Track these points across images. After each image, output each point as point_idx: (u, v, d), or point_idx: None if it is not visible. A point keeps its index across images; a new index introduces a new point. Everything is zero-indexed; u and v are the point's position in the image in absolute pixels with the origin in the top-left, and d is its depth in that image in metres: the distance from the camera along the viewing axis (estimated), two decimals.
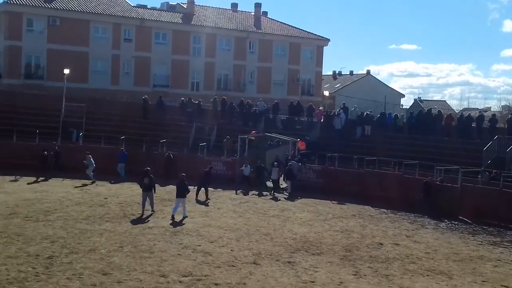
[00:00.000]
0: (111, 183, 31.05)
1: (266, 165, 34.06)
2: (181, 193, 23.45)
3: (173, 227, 21.24)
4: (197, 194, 28.01)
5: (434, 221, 25.75)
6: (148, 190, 23.74)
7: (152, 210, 23.72)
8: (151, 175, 23.98)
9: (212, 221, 22.77)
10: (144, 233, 19.99)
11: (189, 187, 24.17)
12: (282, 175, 32.72)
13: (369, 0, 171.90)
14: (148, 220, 22.30)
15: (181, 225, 21.64)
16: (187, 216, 23.12)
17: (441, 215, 26.25)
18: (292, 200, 29.36)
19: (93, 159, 31.65)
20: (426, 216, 26.25)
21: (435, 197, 26.83)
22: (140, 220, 22.18)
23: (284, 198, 30.20)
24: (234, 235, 20.56)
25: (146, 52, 55.89)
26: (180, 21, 58.43)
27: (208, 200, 27.78)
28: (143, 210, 23.46)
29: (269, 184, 32.61)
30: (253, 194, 30.47)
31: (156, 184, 24.52)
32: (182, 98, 44.61)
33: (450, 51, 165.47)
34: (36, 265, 15.44)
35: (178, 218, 22.70)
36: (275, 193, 30.95)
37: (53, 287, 13.76)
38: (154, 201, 24.16)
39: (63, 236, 18.86)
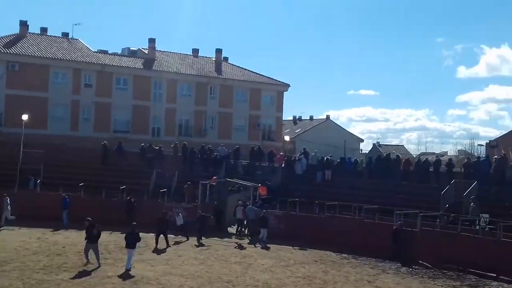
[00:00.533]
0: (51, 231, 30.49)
1: (227, 211, 34.05)
2: (131, 244, 22.45)
3: (133, 276, 20.89)
4: (156, 242, 27.65)
5: (395, 266, 25.91)
6: (93, 241, 22.84)
7: (98, 264, 22.50)
8: (96, 225, 23.17)
9: (173, 269, 22.50)
10: (103, 283, 19.63)
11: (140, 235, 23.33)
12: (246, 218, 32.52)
13: (328, 47, 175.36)
14: (93, 272, 21.88)
15: (136, 274, 21.29)
16: (129, 269, 21.77)
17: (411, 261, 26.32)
18: (267, 249, 28.92)
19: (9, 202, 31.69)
20: (399, 264, 26.18)
21: (405, 243, 26.98)
22: (99, 269, 21.74)
23: (258, 246, 29.76)
24: (195, 283, 20.35)
25: (107, 98, 55.50)
26: (141, 66, 58.50)
27: (168, 247, 27.46)
28: (87, 260, 22.74)
29: (230, 229, 32.54)
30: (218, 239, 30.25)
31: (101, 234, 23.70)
32: (142, 144, 44.33)
33: (407, 97, 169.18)
34: None
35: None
36: (242, 233, 31.64)
37: None
38: (99, 253, 23.08)
39: (19, 287, 18.37)
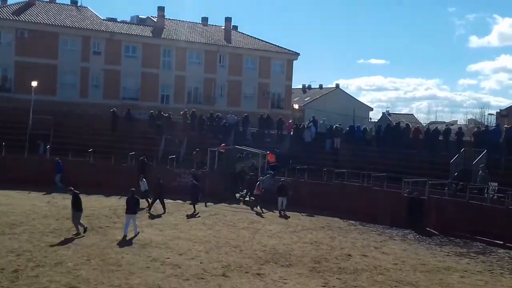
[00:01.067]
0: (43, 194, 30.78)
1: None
2: (131, 209, 21.92)
3: (142, 240, 21.05)
4: (150, 207, 27.76)
5: (402, 233, 25.99)
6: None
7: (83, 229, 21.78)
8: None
9: (181, 234, 22.66)
10: (111, 246, 19.81)
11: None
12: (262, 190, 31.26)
13: (339, 15, 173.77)
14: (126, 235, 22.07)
15: (150, 238, 21.45)
16: (139, 233, 21.90)
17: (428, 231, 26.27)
18: (286, 218, 28.51)
19: None
20: (414, 232, 26.15)
21: (421, 212, 26.94)
22: (107, 233, 21.92)
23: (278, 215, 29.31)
24: (203, 248, 20.49)
25: (116, 65, 55.51)
26: (150, 34, 58.24)
27: (165, 213, 27.41)
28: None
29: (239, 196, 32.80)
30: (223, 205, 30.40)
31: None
32: (151, 111, 44.39)
33: (417, 66, 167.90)
34: (1, 279, 15.18)
35: (130, 236, 21.47)
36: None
37: None
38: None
39: (29, 250, 18.59)
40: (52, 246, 19.29)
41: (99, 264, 17.32)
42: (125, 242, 20.48)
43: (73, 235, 21.12)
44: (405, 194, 28.23)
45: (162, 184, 28.51)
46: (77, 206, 21.73)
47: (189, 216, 26.93)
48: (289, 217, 28.71)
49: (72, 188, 22.23)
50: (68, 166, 33.35)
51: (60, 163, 33.95)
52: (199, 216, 27.25)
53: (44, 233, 21.14)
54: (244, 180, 34.26)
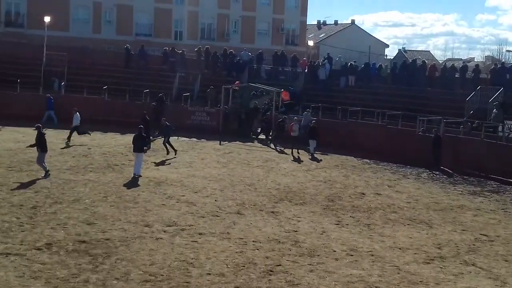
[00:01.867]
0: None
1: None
2: (138, 147, 21.59)
3: (157, 177, 21.27)
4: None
5: (416, 172, 26.06)
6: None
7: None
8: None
9: (196, 172, 22.85)
10: (128, 184, 20.04)
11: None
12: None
13: None
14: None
15: (165, 176, 21.65)
16: (140, 176, 21.17)
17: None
18: (318, 161, 27.83)
19: None
20: (428, 171, 26.22)
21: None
22: (123, 171, 22.13)
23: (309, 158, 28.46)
24: (218, 186, 20.69)
25: (128, 0, 54.85)
26: None
27: (174, 151, 26.32)
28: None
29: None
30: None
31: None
32: (165, 48, 44.04)
33: (435, 1, 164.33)
34: (20, 215, 15.47)
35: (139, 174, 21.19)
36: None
37: (37, 237, 13.81)
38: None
39: (46, 186, 18.85)
40: (69, 183, 19.53)
41: (116, 201, 17.58)
42: (137, 180, 20.68)
43: (42, 177, 20.15)
44: (419, 133, 28.17)
45: (146, 119, 27.38)
46: (41, 146, 20.63)
47: (158, 164, 24.46)
48: (321, 160, 27.96)
49: (40, 126, 21.43)
50: (83, 103, 33.25)
51: (52, 100, 33.72)
52: (174, 157, 25.74)
53: (61, 170, 21.39)
54: (257, 117, 34.17)
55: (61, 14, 49.06)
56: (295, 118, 31.65)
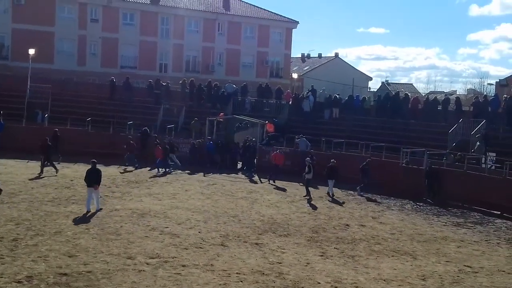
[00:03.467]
0: None
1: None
2: (90, 182, 20.60)
3: (141, 209, 21.10)
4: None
5: (400, 203, 26.12)
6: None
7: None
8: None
9: (179, 203, 22.72)
10: (110, 215, 19.85)
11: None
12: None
13: None
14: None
15: (148, 207, 21.49)
16: (101, 209, 20.51)
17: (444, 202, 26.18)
18: (341, 204, 25.44)
19: None
20: (411, 202, 26.29)
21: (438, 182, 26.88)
22: (106, 202, 21.93)
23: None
24: (201, 217, 20.56)
25: (114, 33, 54.99)
26: (148, 1, 57.60)
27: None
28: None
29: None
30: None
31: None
32: (150, 80, 44.19)
33: (417, 35, 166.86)
34: (1, 248, 15.23)
35: (93, 211, 20.38)
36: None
37: (18, 269, 13.59)
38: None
39: (28, 219, 18.63)
40: (51, 215, 19.31)
41: (98, 233, 17.39)
42: (121, 212, 20.49)
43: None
44: (403, 164, 28.33)
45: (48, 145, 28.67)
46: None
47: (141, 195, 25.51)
48: (343, 202, 25.71)
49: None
50: (66, 135, 33.10)
51: (2, 123, 33.75)
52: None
53: (43, 202, 21.17)
54: (236, 151, 33.92)
55: (45, 47, 49.04)
56: (278, 149, 31.86)
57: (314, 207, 24.04)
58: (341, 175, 27.64)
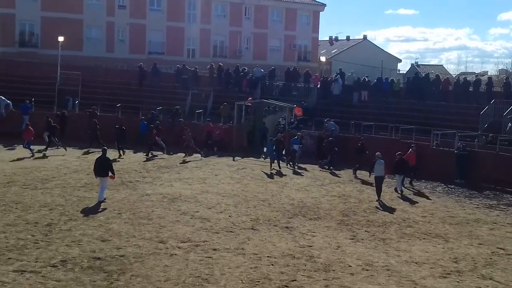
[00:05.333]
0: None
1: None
2: (100, 171, 19.74)
3: (171, 194, 21.26)
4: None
5: (431, 185, 25.89)
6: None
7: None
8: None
9: (209, 188, 22.83)
10: (142, 200, 20.06)
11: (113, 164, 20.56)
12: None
13: None
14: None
15: (179, 192, 21.63)
16: (104, 201, 19.58)
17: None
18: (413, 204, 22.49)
19: None
20: (443, 184, 25.97)
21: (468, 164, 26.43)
22: (137, 188, 22.15)
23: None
24: (232, 201, 20.65)
25: (141, 19, 55.23)
26: None
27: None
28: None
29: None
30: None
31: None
32: (178, 65, 44.32)
33: (447, 15, 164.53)
34: (35, 233, 15.52)
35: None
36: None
37: (52, 254, 13.83)
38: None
39: (61, 204, 18.92)
40: (83, 200, 19.58)
41: (130, 218, 17.59)
42: (152, 197, 20.66)
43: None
44: (433, 147, 28.04)
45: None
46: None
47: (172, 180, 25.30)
48: (416, 202, 22.87)
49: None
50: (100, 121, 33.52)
51: (28, 105, 34.34)
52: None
53: (76, 188, 21.46)
54: (265, 137, 33.48)
55: (74, 34, 49.45)
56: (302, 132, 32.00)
57: (344, 191, 23.96)
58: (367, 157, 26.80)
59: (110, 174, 19.90)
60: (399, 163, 24.17)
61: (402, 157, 24.44)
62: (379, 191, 22.59)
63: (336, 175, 27.77)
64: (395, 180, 24.88)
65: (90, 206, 19.01)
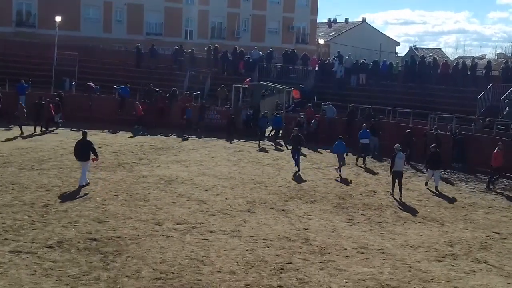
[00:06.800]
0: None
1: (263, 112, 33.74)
2: (80, 154, 19.25)
3: (168, 175, 21.28)
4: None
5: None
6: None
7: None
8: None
9: (206, 170, 22.84)
10: (138, 182, 20.07)
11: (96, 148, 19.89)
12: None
13: None
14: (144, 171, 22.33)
15: (175, 174, 21.64)
16: (85, 185, 19.02)
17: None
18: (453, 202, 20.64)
19: None
20: (461, 171, 25.81)
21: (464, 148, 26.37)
22: (134, 169, 22.14)
23: None
24: (228, 184, 20.68)
25: (139, 0, 54.98)
26: None
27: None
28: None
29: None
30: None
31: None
32: (176, 46, 44.12)
33: None
34: (32, 214, 15.55)
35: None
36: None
37: (48, 235, 13.88)
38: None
39: (58, 185, 18.93)
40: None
41: (127, 200, 17.62)
42: (149, 178, 20.66)
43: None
44: (431, 131, 28.03)
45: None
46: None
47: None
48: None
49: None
50: (97, 102, 33.44)
51: (24, 85, 33.75)
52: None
53: (72, 169, 21.41)
54: (256, 119, 33.13)
55: (71, 14, 49.09)
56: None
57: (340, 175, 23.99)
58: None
59: (93, 156, 19.41)
60: (433, 156, 22.27)
61: (436, 150, 22.43)
62: (400, 188, 20.43)
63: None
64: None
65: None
